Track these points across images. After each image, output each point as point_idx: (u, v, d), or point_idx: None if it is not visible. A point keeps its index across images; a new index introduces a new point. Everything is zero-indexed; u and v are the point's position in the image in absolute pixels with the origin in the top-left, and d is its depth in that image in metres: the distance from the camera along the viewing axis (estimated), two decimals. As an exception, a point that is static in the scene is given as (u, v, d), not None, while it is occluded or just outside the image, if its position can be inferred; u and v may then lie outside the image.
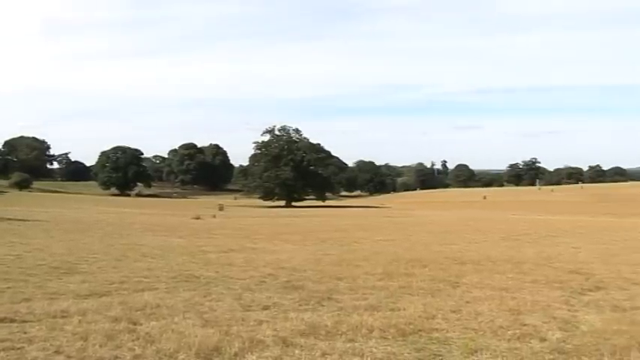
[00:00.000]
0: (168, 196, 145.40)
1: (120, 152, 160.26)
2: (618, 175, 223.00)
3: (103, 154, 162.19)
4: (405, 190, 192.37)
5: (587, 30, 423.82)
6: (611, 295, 9.29)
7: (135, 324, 6.81)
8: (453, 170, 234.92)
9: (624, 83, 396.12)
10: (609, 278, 10.94)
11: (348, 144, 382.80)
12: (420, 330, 6.74)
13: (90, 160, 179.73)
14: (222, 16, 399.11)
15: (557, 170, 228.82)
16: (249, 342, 6.10)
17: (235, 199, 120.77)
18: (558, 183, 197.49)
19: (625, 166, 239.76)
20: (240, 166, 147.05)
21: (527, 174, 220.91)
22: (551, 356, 5.86)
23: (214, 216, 41.56)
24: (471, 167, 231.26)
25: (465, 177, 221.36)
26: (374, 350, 5.95)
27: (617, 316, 7.70)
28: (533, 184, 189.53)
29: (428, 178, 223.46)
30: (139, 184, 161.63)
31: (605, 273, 11.62)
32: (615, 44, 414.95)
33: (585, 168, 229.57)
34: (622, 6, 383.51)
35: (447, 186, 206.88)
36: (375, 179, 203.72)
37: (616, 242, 19.42)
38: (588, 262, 13.60)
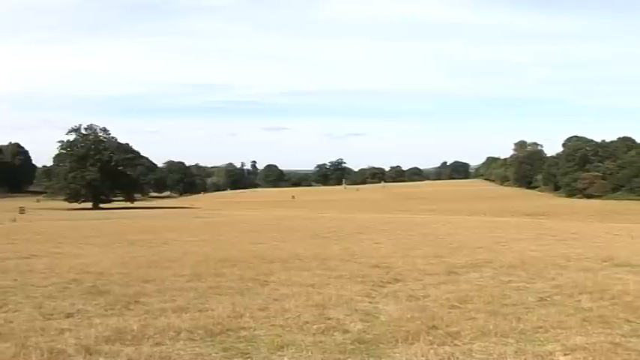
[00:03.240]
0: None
1: None
2: (416, 174, 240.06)
3: None
4: (216, 191, 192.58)
5: (389, 39, 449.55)
6: (407, 286, 9.93)
7: None
8: (262, 170, 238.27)
9: (420, 89, 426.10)
10: (406, 270, 11.68)
11: (158, 144, 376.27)
12: (228, 329, 6.78)
13: None
14: (20, 6, 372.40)
15: (361, 170, 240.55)
16: (49, 353, 5.78)
17: (38, 201, 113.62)
18: (363, 182, 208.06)
19: (422, 166, 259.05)
20: (44, 166, 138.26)
21: (334, 174, 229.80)
22: (353, 346, 6.16)
23: (14, 220, 39.01)
24: (280, 167, 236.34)
25: (275, 177, 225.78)
26: (181, 352, 5.91)
27: (412, 305, 8.26)
28: (339, 183, 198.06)
29: (238, 178, 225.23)
30: None
31: (403, 266, 12.38)
32: (413, 55, 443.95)
33: (387, 168, 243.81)
34: (424, 19, 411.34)
35: (256, 186, 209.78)
36: (185, 180, 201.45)
37: (413, 237, 20.78)
38: (389, 256, 14.41)
